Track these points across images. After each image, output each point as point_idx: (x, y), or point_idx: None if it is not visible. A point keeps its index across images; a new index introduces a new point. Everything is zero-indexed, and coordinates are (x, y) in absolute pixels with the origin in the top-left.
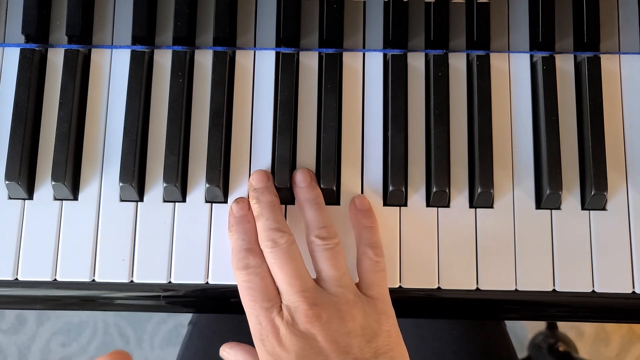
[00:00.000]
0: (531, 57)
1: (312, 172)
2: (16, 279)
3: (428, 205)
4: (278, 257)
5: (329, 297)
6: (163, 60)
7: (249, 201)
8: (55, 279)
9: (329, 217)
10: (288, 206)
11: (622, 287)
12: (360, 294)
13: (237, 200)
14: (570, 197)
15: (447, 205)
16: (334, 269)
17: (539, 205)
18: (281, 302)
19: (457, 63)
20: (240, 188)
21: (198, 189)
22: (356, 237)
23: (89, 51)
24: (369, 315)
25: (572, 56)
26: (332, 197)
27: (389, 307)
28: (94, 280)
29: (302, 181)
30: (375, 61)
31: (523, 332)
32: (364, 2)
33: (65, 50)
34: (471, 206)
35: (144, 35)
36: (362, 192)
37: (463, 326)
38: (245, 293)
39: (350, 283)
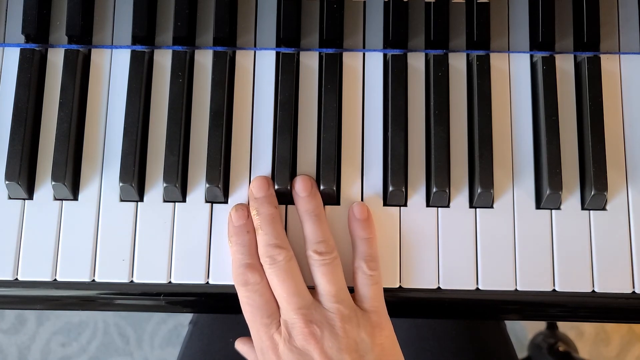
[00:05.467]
0: (531, 57)
1: (313, 178)
2: (16, 279)
3: (428, 205)
4: (276, 274)
5: (325, 313)
6: (163, 60)
7: (248, 208)
8: (55, 279)
9: (327, 230)
10: (289, 207)
11: (622, 287)
12: (356, 307)
13: (236, 207)
14: (570, 197)
15: (447, 205)
16: (331, 284)
17: (539, 205)
18: (280, 315)
19: (457, 63)
20: (240, 188)
21: (198, 189)
22: (353, 247)
23: (89, 51)
24: (363, 329)
25: (572, 56)
26: (331, 197)
27: (384, 319)
28: (94, 280)
29: (302, 190)
30: (375, 61)
31: (523, 332)
32: (364, 2)
33: (65, 50)
34: (471, 206)
35: (144, 35)
36: (361, 192)
37: (463, 326)
38: (246, 309)
39: (347, 297)
